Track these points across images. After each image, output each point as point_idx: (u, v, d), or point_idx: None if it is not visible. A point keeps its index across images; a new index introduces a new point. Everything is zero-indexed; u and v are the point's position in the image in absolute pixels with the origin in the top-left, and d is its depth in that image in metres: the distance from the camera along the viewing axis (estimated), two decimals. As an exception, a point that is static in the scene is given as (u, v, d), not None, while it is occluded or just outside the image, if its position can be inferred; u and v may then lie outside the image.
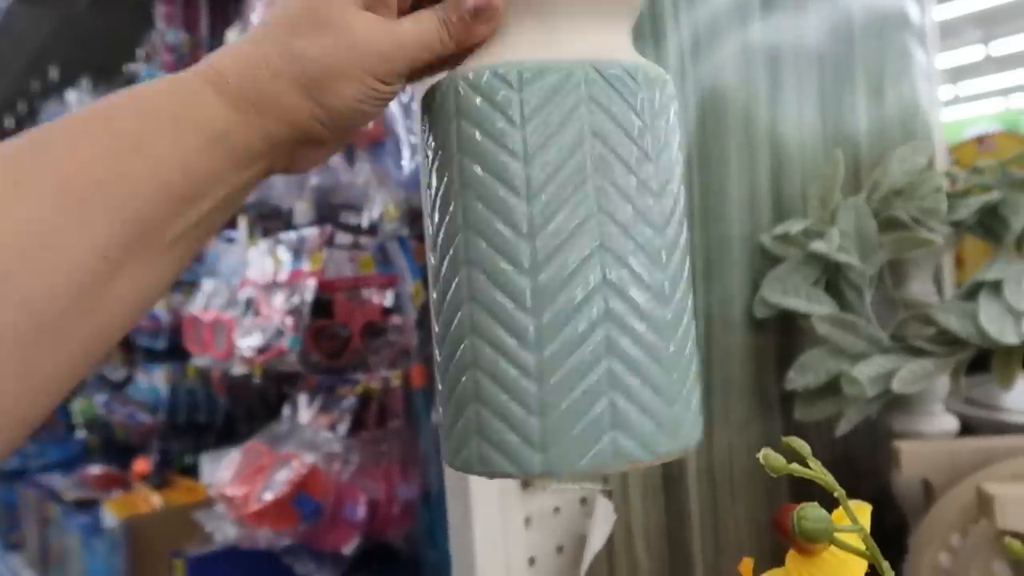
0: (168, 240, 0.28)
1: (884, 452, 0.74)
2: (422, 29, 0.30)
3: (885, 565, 0.27)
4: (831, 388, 0.63)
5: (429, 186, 0.32)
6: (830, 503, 0.27)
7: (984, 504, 0.46)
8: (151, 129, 0.27)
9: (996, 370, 0.60)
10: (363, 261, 1.06)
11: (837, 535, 0.26)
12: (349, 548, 0.87)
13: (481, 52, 0.31)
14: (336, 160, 0.78)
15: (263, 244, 1.08)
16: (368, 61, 0.29)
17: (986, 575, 0.49)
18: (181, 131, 0.27)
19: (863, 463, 0.74)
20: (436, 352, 0.32)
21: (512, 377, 0.28)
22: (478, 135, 0.29)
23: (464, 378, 0.30)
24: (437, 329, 0.31)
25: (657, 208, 0.30)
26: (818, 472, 0.27)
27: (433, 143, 0.31)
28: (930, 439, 0.63)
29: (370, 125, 0.68)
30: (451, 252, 0.30)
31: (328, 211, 0.99)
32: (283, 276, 1.02)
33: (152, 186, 0.26)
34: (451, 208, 0.30)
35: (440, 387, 0.31)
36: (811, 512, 0.25)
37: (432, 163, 0.31)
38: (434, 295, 0.32)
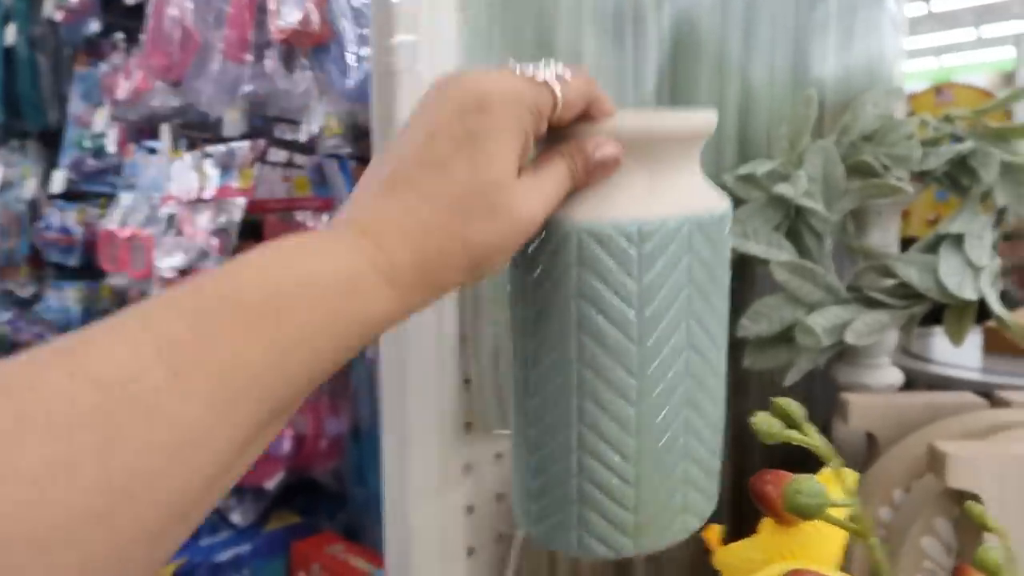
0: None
1: (823, 402, 0.74)
2: (558, 184, 0.31)
3: (874, 541, 0.24)
4: (784, 337, 0.61)
5: (527, 310, 0.35)
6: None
7: (935, 462, 0.45)
8: (318, 324, 0.26)
9: (948, 325, 0.59)
10: (298, 182, 0.99)
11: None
12: (272, 483, 0.83)
13: (594, 197, 0.33)
14: (273, 65, 0.70)
15: (188, 157, 1.00)
16: (528, 231, 0.30)
17: (927, 531, 0.48)
18: (347, 326, 0.27)
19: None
20: (525, 450, 0.37)
21: (615, 485, 0.34)
22: (598, 284, 0.33)
23: (571, 482, 0.35)
24: (532, 433, 0.36)
25: (722, 334, 0.37)
26: (813, 439, 0.24)
27: (542, 279, 0.34)
28: (875, 391, 0.62)
29: (315, 26, 0.61)
30: (560, 379, 0.34)
31: (262, 124, 0.91)
32: (209, 193, 0.94)
33: (305, 377, 0.26)
34: (564, 343, 0.34)
35: (532, 481, 0.36)
36: (806, 485, 0.22)
37: (536, 295, 0.35)
38: (527, 403, 0.36)
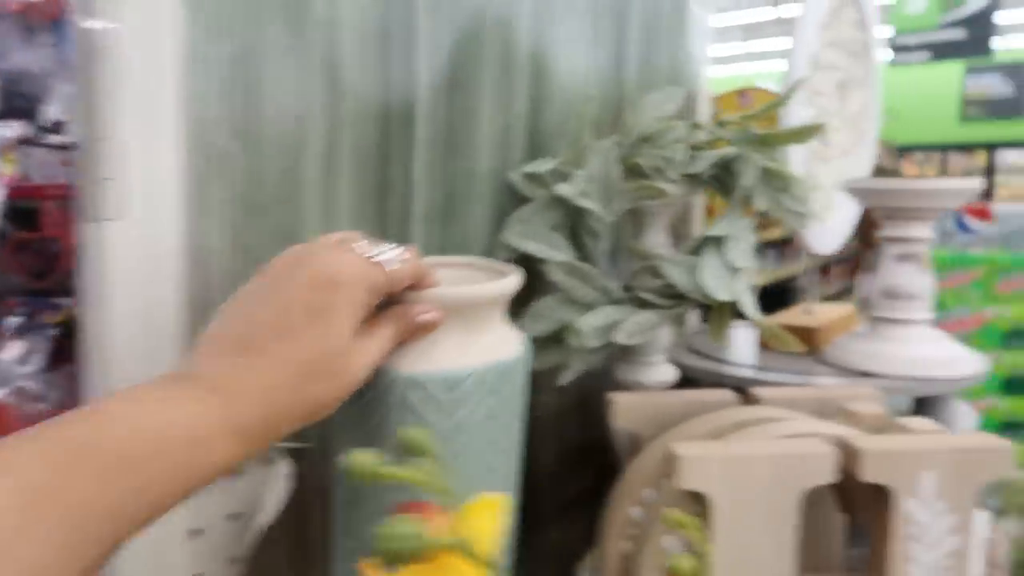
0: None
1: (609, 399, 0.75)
2: (387, 345, 0.37)
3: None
4: (559, 337, 0.61)
5: (351, 443, 0.38)
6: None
7: (669, 463, 0.46)
8: (168, 474, 0.28)
9: (710, 324, 0.61)
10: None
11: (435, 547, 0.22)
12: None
13: (414, 351, 0.39)
14: (14, 31, 0.62)
15: (-53, 135, 0.88)
16: (355, 387, 0.35)
17: (669, 530, 0.49)
18: (193, 474, 0.29)
19: (595, 407, 0.75)
20: (346, 563, 0.42)
21: None
22: (415, 423, 0.38)
23: None
24: (350, 544, 0.42)
25: (516, 449, 0.44)
26: (417, 474, 0.23)
27: (368, 417, 0.39)
28: (648, 389, 0.63)
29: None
30: (377, 499, 0.38)
31: (24, 102, 0.82)
32: (-34, 176, 0.84)
33: (149, 516, 0.28)
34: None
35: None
36: (396, 530, 0.21)
37: (362, 429, 0.39)
38: (348, 518, 0.41)
